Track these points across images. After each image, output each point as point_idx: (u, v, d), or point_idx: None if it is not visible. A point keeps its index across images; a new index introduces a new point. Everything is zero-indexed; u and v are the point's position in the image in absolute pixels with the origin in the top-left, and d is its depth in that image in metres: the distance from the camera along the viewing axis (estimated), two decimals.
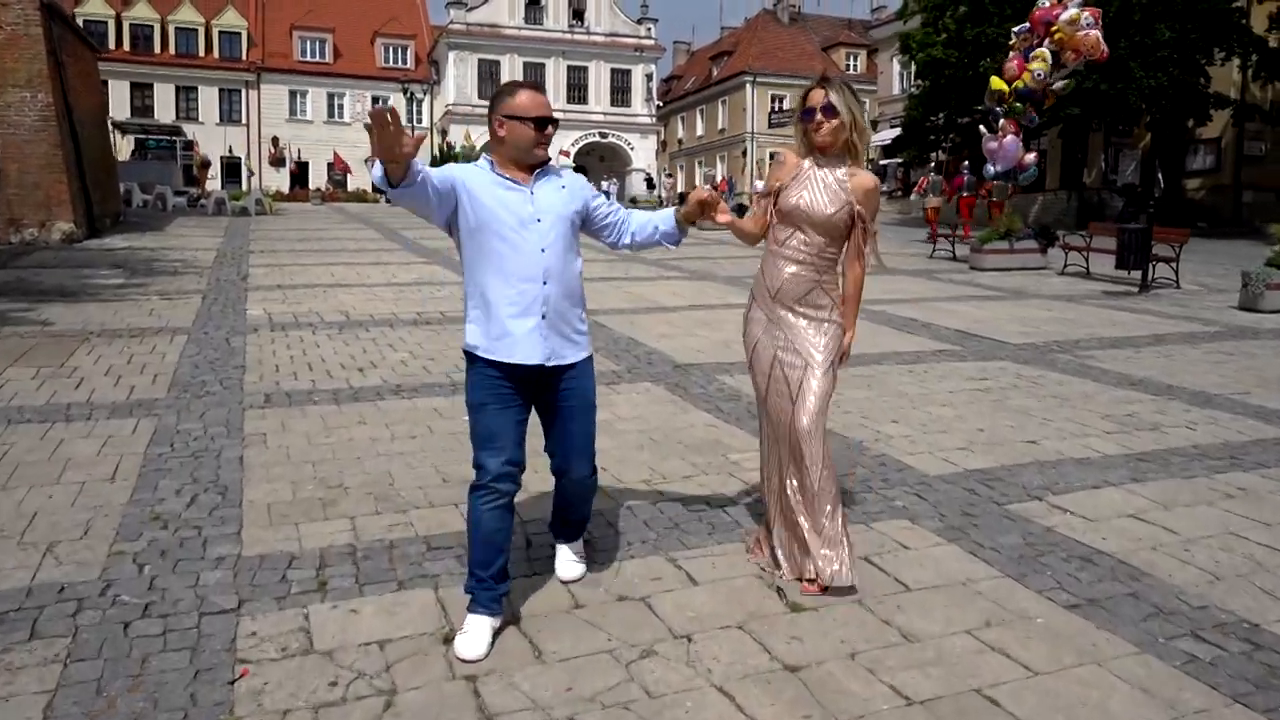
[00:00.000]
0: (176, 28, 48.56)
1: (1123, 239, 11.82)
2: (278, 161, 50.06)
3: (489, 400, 3.00)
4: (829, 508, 3.28)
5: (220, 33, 49.26)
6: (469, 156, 41.71)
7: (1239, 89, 30.71)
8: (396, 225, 24.30)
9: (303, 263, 14.38)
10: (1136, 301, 11.35)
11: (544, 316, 2.99)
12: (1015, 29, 15.38)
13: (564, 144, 49.06)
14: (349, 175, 50.17)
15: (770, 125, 51.82)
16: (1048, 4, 14.79)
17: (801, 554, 3.34)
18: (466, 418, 3.10)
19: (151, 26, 48.12)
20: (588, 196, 3.20)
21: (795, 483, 3.34)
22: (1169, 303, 11.29)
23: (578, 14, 50.85)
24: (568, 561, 3.44)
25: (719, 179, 49.74)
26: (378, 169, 2.72)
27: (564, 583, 3.37)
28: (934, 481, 4.50)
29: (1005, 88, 15.00)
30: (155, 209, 27.45)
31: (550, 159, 3.14)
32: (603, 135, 50.93)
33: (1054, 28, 14.54)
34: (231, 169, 48.71)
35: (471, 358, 3.05)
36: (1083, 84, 26.36)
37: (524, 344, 2.98)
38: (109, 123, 37.81)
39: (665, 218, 3.29)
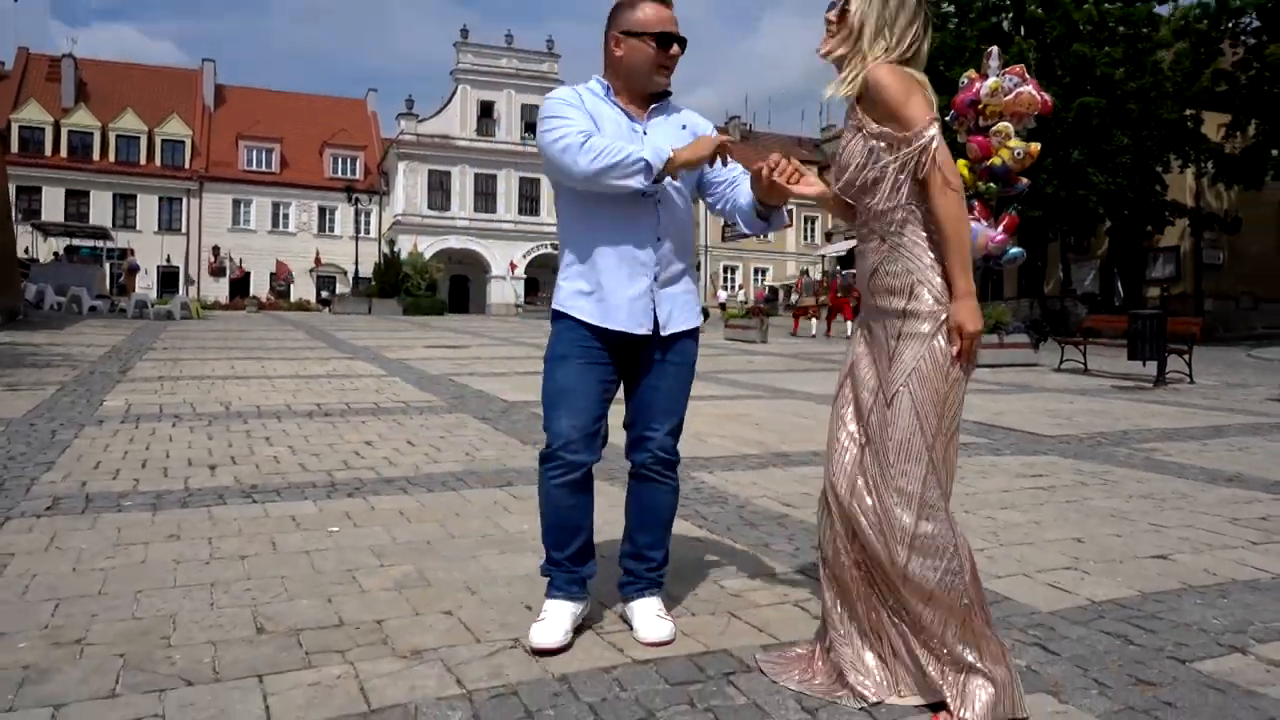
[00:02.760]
0: (118, 135, 47.46)
1: (1135, 327, 10.50)
2: (218, 271, 48.35)
3: (572, 354, 2.53)
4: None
5: (163, 140, 48.20)
6: (415, 264, 40.45)
7: (1194, 195, 30.68)
8: (330, 328, 22.61)
9: (205, 357, 12.53)
10: (1160, 395, 9.94)
11: (655, 278, 2.55)
12: (946, 119, 14.72)
13: (514, 255, 48.14)
14: (292, 285, 48.59)
15: (724, 239, 51.42)
16: (964, 85, 14.17)
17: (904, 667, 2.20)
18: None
19: (91, 134, 46.95)
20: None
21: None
22: (1199, 396, 9.89)
23: (530, 127, 50.64)
24: (651, 617, 2.57)
25: None
26: (644, 175, 2.38)
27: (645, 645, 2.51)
28: (1055, 622, 2.83)
29: (968, 175, 14.18)
30: (70, 311, 25.40)
31: (670, 91, 2.64)
32: (555, 246, 50.02)
33: (982, 104, 13.80)
34: (169, 278, 46.84)
35: (560, 315, 2.58)
36: (1043, 189, 25.97)
37: (632, 310, 2.52)
38: (30, 224, 36.23)
39: (745, 193, 2.59)
